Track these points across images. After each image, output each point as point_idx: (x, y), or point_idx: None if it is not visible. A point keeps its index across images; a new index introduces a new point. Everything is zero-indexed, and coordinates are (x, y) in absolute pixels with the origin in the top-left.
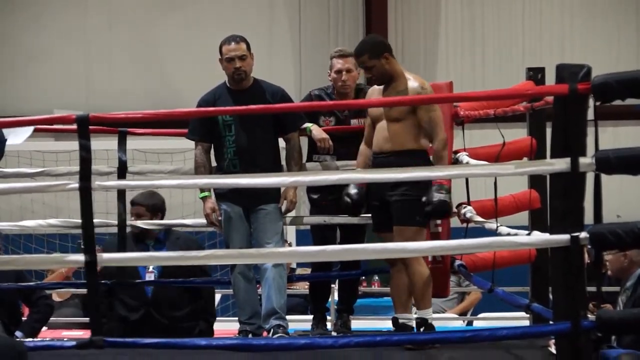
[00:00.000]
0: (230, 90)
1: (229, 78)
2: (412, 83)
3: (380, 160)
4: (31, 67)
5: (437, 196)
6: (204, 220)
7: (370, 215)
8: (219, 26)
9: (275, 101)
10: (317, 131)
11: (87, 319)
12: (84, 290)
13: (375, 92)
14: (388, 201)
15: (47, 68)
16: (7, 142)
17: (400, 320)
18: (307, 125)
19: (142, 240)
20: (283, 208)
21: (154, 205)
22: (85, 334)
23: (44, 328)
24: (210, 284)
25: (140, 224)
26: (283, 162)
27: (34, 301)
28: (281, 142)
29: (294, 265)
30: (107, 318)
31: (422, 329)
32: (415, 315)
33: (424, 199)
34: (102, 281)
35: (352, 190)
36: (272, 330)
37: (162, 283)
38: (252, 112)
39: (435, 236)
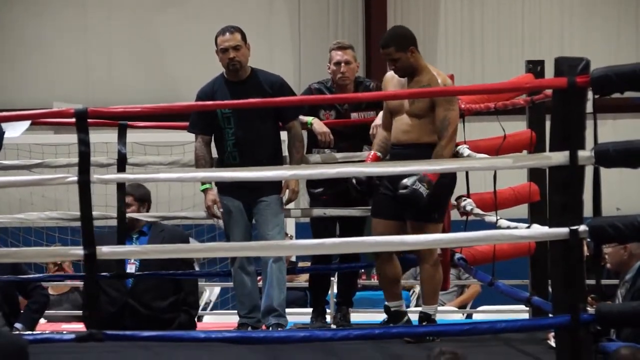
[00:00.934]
0: (227, 81)
1: (225, 69)
2: (436, 79)
3: (396, 151)
4: (30, 59)
5: (417, 185)
6: (203, 213)
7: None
8: (218, 19)
9: (273, 91)
10: (318, 125)
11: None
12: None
13: (394, 81)
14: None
15: (47, 61)
16: (5, 135)
17: (393, 309)
18: (308, 119)
19: (126, 232)
20: (285, 198)
21: (141, 195)
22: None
23: (43, 320)
24: (193, 277)
25: (140, 216)
26: (285, 153)
27: (29, 292)
28: (283, 134)
29: (293, 258)
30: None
31: (424, 324)
32: (419, 308)
33: (404, 180)
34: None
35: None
36: (270, 328)
37: (148, 276)
38: (251, 106)
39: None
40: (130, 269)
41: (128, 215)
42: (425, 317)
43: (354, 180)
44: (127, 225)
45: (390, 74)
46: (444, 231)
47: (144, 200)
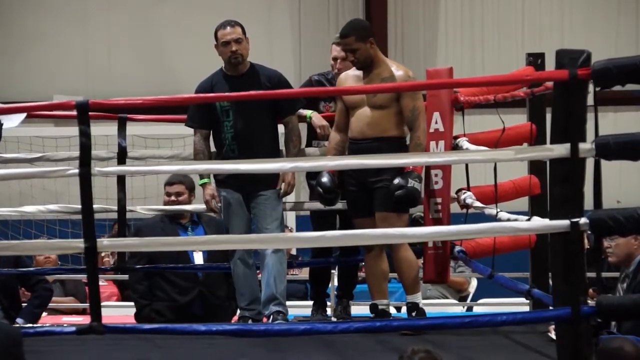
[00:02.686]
0: (226, 76)
1: (225, 63)
2: (398, 71)
3: (363, 145)
4: (31, 51)
5: (410, 182)
6: (203, 206)
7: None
8: (218, 11)
9: (272, 85)
10: (317, 119)
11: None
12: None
13: (349, 78)
14: (370, 187)
15: (47, 53)
16: (4, 126)
17: (380, 307)
18: (307, 112)
19: (177, 220)
20: (281, 191)
21: (190, 183)
22: (84, 319)
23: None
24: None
25: (140, 209)
26: (282, 147)
27: (32, 286)
28: (280, 128)
29: (294, 252)
30: (149, 300)
31: (414, 314)
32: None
33: (396, 181)
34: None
35: (324, 178)
36: (271, 316)
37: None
38: (250, 99)
39: (435, 222)
40: (198, 259)
41: (129, 209)
42: (414, 307)
43: (319, 189)
44: (171, 215)
45: (343, 74)
46: (443, 224)
47: (192, 187)
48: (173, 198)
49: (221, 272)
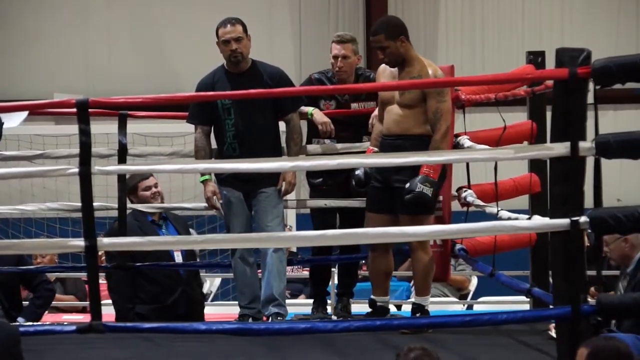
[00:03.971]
0: (228, 73)
1: (226, 61)
2: (427, 70)
3: (387, 141)
4: (31, 50)
5: (420, 187)
6: (204, 204)
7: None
8: (219, 8)
9: (273, 82)
10: (318, 115)
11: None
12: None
13: (387, 73)
14: (391, 185)
15: (47, 51)
16: (4, 126)
17: (378, 303)
18: (308, 109)
19: (151, 218)
20: (282, 190)
21: None
22: (84, 318)
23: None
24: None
25: (140, 207)
26: (283, 145)
27: (34, 286)
28: (281, 125)
29: (294, 249)
30: (132, 303)
31: (418, 315)
32: (412, 300)
33: (406, 185)
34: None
35: (358, 172)
36: (270, 318)
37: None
38: (252, 97)
39: (436, 220)
40: (178, 257)
41: (129, 206)
42: (419, 308)
43: (354, 182)
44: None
45: (382, 67)
46: (444, 222)
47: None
48: (154, 190)
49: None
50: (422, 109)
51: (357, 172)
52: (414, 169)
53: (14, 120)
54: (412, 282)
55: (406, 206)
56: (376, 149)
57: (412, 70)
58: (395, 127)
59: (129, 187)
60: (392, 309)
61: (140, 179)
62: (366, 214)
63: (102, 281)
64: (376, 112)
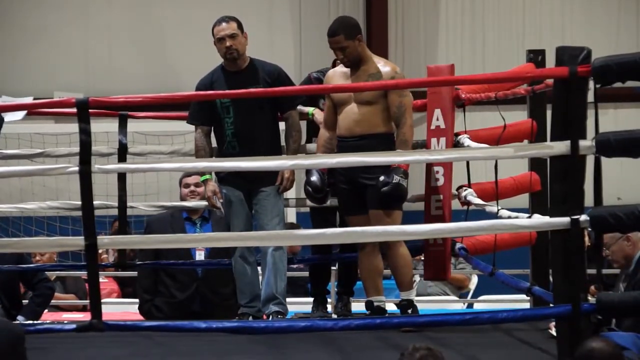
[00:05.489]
0: (226, 72)
1: (223, 59)
2: (384, 67)
3: (351, 143)
4: (31, 48)
5: (395, 178)
6: (204, 202)
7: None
8: (219, 7)
9: (271, 80)
10: (319, 115)
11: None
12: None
13: (337, 75)
14: (360, 185)
15: (48, 50)
16: (6, 119)
17: (375, 304)
18: (309, 109)
19: (188, 216)
20: (280, 187)
21: None
22: (84, 316)
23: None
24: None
25: (139, 205)
26: (283, 143)
27: (34, 284)
28: (281, 124)
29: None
30: (152, 295)
31: (409, 311)
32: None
33: (381, 178)
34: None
35: (313, 177)
36: (270, 316)
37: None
38: (251, 96)
39: (436, 219)
40: (200, 255)
41: (129, 205)
42: (409, 304)
43: (309, 188)
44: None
45: (331, 71)
46: (444, 221)
47: None
48: (192, 189)
49: (227, 269)
50: (382, 105)
51: (312, 179)
52: (384, 168)
53: (15, 115)
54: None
55: (379, 201)
56: None
57: (368, 68)
58: (356, 127)
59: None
60: (392, 307)
61: (184, 175)
62: (346, 219)
63: (103, 280)
64: (318, 117)
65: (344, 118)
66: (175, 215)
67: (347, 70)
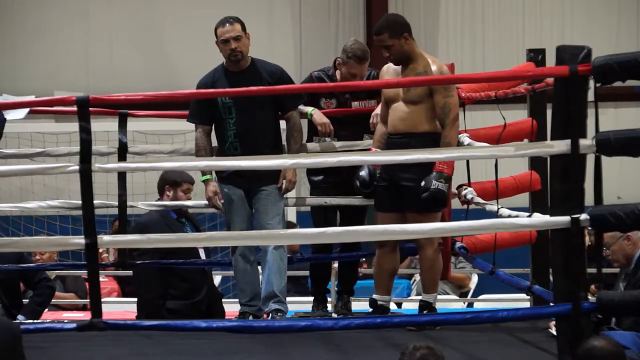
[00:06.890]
0: (228, 71)
1: (226, 60)
2: (432, 65)
3: (394, 140)
4: (31, 47)
5: (435, 184)
6: (204, 201)
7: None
8: (220, 6)
9: (273, 80)
10: (318, 116)
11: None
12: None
13: (390, 71)
14: (397, 183)
15: (48, 49)
16: (8, 118)
17: (379, 302)
18: (308, 109)
19: (178, 217)
20: (282, 188)
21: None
22: (85, 315)
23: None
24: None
25: (141, 204)
26: (284, 142)
27: (34, 284)
28: (282, 123)
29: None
30: (163, 296)
31: (425, 312)
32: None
33: (422, 183)
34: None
35: (362, 172)
36: (270, 314)
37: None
38: (252, 95)
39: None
40: (202, 254)
41: (130, 204)
42: (426, 306)
43: (358, 183)
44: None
45: (385, 67)
46: (444, 220)
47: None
48: (188, 195)
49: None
50: (428, 104)
51: (361, 173)
52: (421, 166)
53: (17, 114)
54: (413, 280)
55: (417, 204)
56: (379, 150)
57: (416, 66)
58: (401, 124)
59: (171, 180)
60: (393, 306)
61: (188, 179)
62: (376, 213)
63: (103, 279)
64: (377, 110)
65: (391, 115)
66: (165, 216)
67: (399, 67)
